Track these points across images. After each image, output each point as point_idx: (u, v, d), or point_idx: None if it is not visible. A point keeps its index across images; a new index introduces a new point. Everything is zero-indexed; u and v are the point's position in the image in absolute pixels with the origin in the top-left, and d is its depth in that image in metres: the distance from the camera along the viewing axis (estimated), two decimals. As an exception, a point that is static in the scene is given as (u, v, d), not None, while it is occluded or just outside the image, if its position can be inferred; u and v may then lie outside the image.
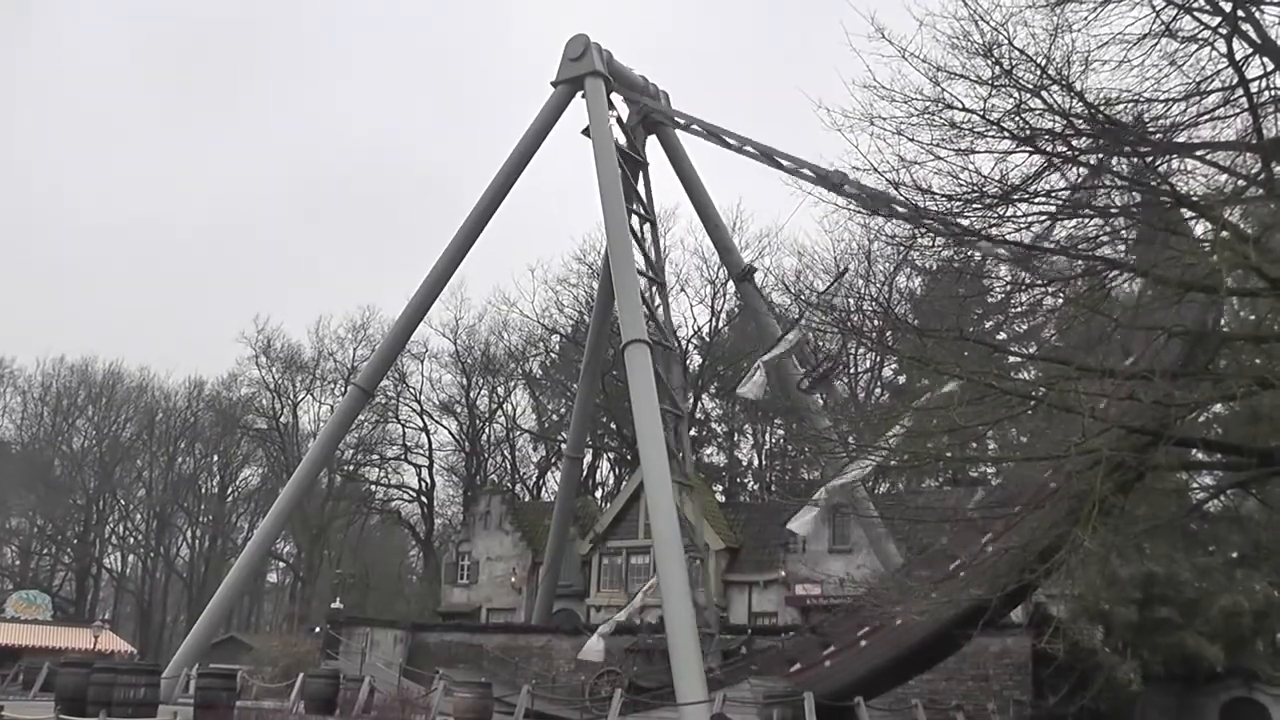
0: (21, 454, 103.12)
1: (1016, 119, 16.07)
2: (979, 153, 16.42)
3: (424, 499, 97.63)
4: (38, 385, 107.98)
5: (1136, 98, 15.65)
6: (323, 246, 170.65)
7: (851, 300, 41.41)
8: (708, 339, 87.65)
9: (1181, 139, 15.80)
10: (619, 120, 55.29)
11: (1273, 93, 15.51)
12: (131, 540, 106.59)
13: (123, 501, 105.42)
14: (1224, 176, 16.12)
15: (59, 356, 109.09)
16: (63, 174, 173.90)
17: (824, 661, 38.86)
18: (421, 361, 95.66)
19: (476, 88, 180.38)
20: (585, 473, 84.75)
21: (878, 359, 74.20)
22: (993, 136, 16.23)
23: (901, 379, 71.02)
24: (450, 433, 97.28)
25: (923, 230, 17.31)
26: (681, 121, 55.89)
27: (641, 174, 56.31)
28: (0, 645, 64.81)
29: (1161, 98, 15.57)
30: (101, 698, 28.62)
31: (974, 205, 16.55)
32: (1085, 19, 15.38)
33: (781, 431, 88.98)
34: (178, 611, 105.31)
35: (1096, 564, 22.56)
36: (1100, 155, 16.31)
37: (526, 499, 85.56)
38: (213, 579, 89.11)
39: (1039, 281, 17.60)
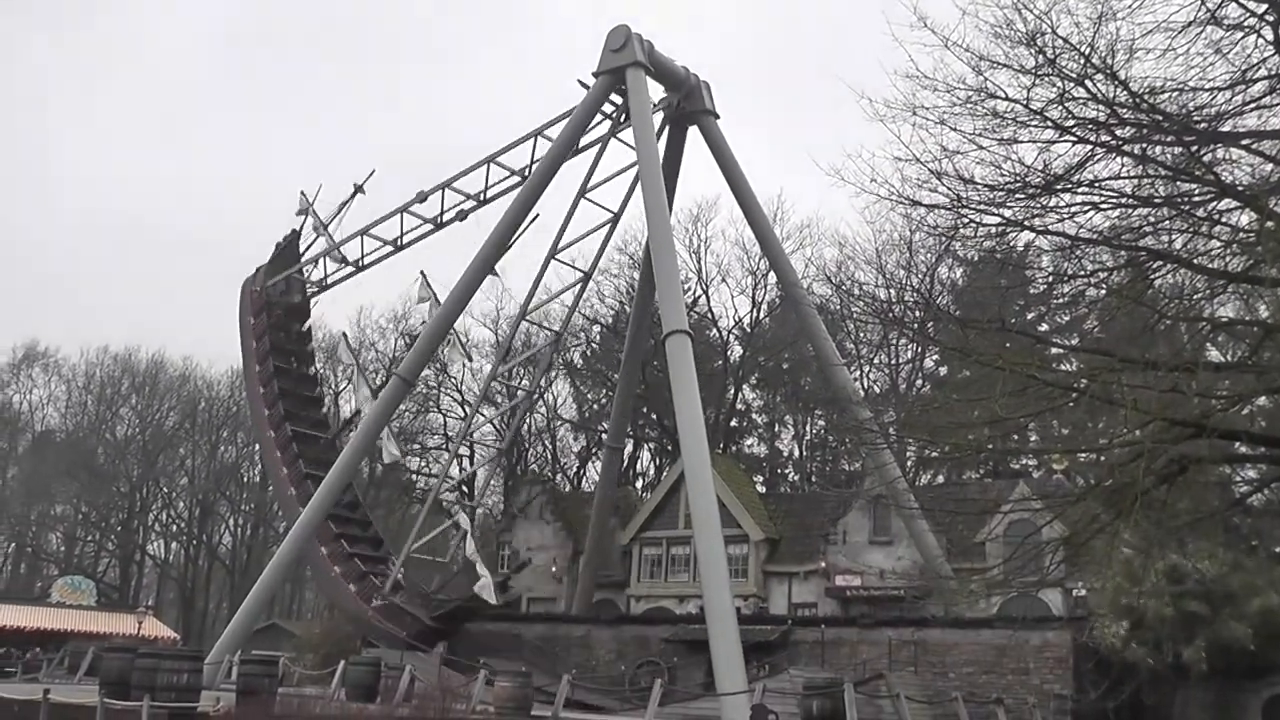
0: (66, 442, 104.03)
1: (1060, 108, 16.00)
2: (1022, 142, 16.37)
3: (464, 488, 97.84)
4: (82, 374, 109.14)
5: (1181, 86, 15.52)
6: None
7: (893, 291, 41.36)
8: (749, 329, 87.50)
9: (1226, 128, 15.67)
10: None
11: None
12: (174, 528, 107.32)
13: (165, 489, 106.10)
14: (1269, 166, 15.98)
15: (103, 346, 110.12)
16: (106, 166, 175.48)
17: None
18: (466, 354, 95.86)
19: (513, 74, 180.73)
20: (626, 463, 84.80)
21: (919, 350, 74.06)
22: (1035, 126, 16.17)
23: (943, 370, 70.82)
24: (491, 423, 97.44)
25: (964, 220, 17.25)
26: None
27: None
28: (46, 630, 65.58)
29: (1206, 86, 15.44)
30: (145, 683, 28.90)
31: (1017, 195, 16.48)
32: (1129, 7, 15.27)
33: (822, 422, 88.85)
34: (220, 598, 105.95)
35: (1137, 557, 22.43)
36: (1144, 145, 16.20)
37: (567, 489, 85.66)
38: (255, 566, 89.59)
39: (1081, 273, 17.50)
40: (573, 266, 61.05)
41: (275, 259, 69.26)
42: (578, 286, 62.33)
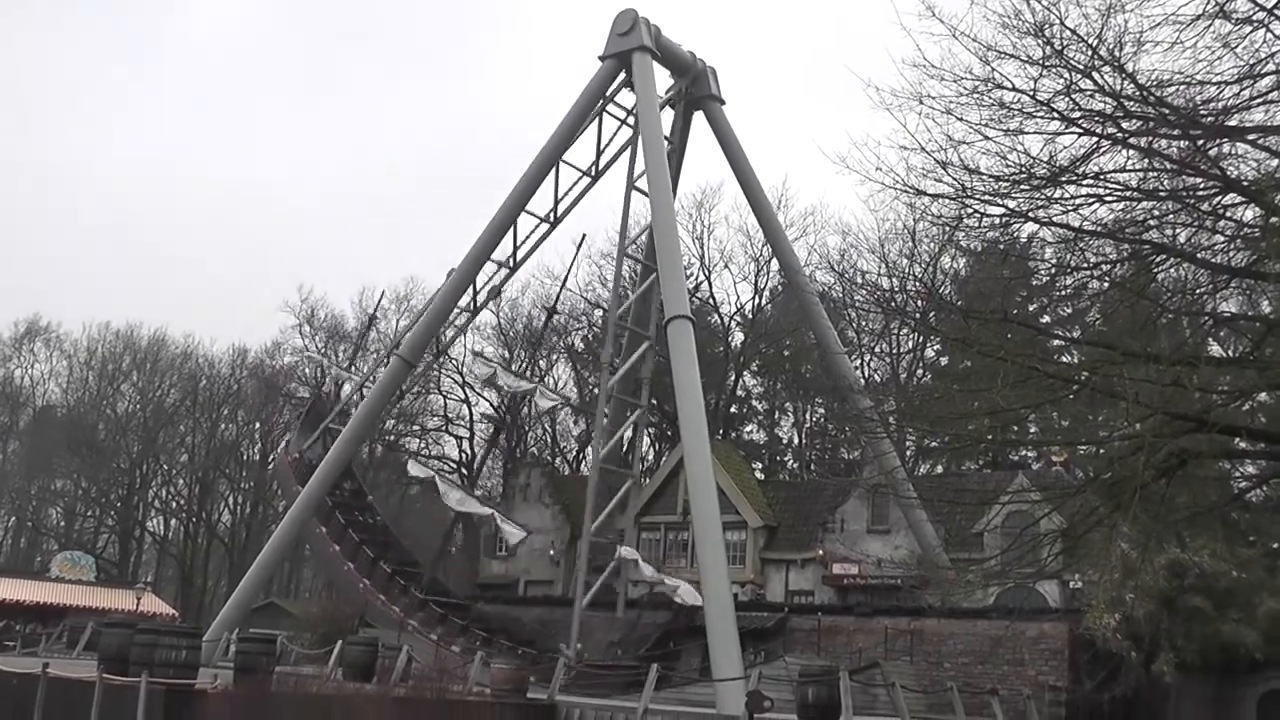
0: (67, 418, 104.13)
1: (1066, 100, 15.98)
2: (1028, 133, 16.37)
3: (464, 470, 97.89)
4: (83, 350, 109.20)
5: (1188, 80, 15.48)
6: (368, 219, 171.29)
7: (896, 280, 41.38)
8: (750, 315, 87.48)
9: (1233, 122, 15.63)
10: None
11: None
12: (174, 504, 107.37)
13: (165, 466, 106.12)
14: (1275, 161, 15.96)
15: (105, 322, 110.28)
16: (111, 144, 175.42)
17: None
18: (465, 333, 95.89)
19: (521, 59, 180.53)
20: (625, 448, 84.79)
21: (921, 339, 74.04)
22: (1042, 117, 16.16)
23: (944, 360, 70.82)
24: (491, 405, 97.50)
25: (969, 211, 17.23)
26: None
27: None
28: (45, 605, 65.68)
29: (1214, 80, 15.41)
30: (143, 659, 28.88)
31: (1022, 186, 16.46)
32: (1138, -1, 15.24)
33: (822, 410, 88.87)
34: (219, 576, 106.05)
35: (1135, 550, 22.43)
36: (1150, 138, 16.17)
37: (566, 472, 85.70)
38: (254, 545, 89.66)
39: (1084, 265, 17.49)
40: (642, 262, 58.23)
41: (303, 424, 66.64)
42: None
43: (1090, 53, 15.53)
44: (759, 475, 75.65)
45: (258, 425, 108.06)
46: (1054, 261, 18.28)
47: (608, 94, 55.63)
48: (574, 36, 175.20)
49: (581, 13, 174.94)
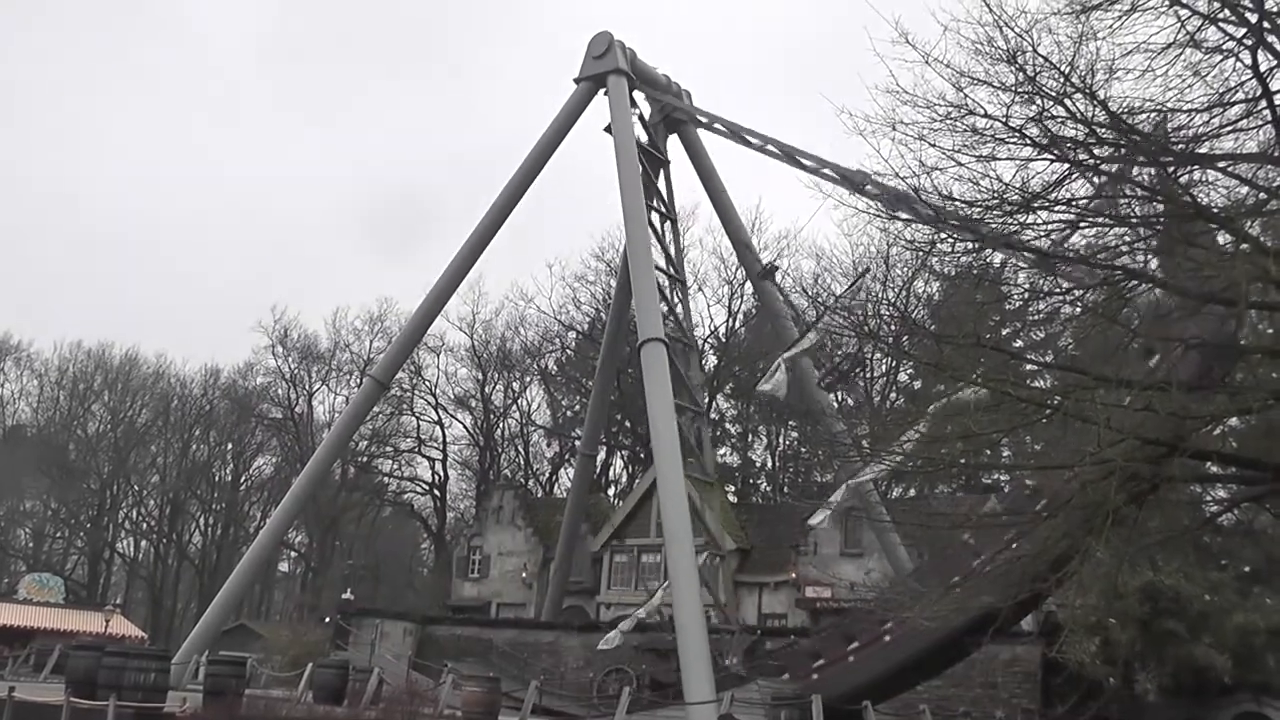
0: (37, 437, 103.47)
1: (1039, 126, 16.00)
2: (1000, 159, 16.35)
3: (437, 492, 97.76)
4: (54, 369, 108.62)
5: (1159, 107, 15.55)
6: (343, 240, 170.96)
7: (869, 304, 41.41)
8: (724, 339, 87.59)
9: (1203, 150, 15.70)
10: (640, 118, 55.49)
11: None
12: (144, 526, 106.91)
13: (136, 487, 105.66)
14: (1245, 189, 16.05)
15: (76, 341, 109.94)
16: (85, 161, 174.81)
17: (830, 665, 38.83)
18: (438, 355, 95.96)
19: (497, 82, 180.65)
20: (598, 470, 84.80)
21: (894, 363, 74.19)
22: (1014, 143, 16.17)
23: (917, 384, 70.96)
24: (465, 427, 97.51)
25: (943, 235, 17.26)
26: (704, 119, 55.80)
27: (662, 172, 56.45)
28: (12, 627, 65.12)
29: (1184, 108, 15.48)
30: (112, 682, 28.70)
31: (994, 212, 16.49)
32: (1110, 27, 15.29)
33: (795, 433, 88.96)
34: (189, 598, 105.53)
35: (1108, 574, 22.47)
36: (1122, 164, 16.24)
37: (539, 495, 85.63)
38: (224, 566, 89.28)
39: (1057, 290, 17.55)
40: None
41: None
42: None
43: (1062, 80, 15.58)
44: (732, 498, 75.64)
45: (230, 446, 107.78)
46: (1027, 286, 18.33)
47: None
48: (555, 64, 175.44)
49: (555, 38, 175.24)
